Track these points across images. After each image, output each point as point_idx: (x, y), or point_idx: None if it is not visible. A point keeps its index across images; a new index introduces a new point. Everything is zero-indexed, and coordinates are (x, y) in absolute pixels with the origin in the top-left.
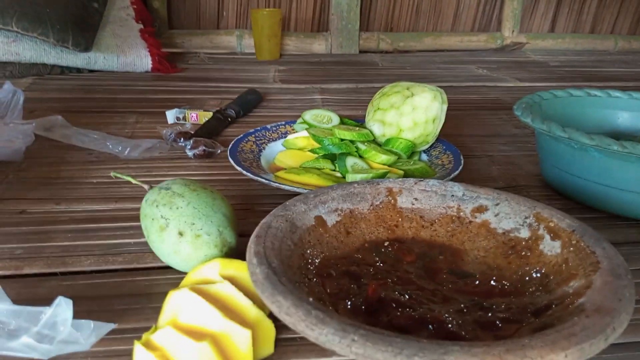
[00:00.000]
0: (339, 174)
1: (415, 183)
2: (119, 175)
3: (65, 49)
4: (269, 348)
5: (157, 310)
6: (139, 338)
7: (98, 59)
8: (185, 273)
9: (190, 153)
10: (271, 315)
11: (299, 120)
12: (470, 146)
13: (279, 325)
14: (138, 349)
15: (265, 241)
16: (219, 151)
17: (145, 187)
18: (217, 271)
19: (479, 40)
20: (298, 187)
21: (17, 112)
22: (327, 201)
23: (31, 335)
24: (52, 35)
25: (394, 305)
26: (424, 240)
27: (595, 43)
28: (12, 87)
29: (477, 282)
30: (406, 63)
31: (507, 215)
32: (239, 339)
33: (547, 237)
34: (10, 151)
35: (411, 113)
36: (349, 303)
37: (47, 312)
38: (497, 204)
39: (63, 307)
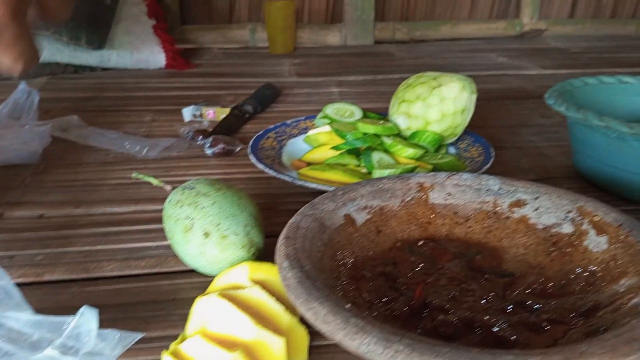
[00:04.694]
0: (364, 170)
1: (448, 177)
2: (140, 176)
3: (78, 47)
4: (302, 356)
5: (183, 317)
6: (166, 347)
7: (111, 57)
8: (211, 277)
9: (209, 152)
10: (303, 320)
11: (320, 114)
12: (498, 137)
13: (313, 331)
14: (166, 359)
15: (296, 242)
16: (239, 149)
17: (167, 187)
18: (246, 275)
19: (497, 28)
20: (323, 185)
21: (33, 113)
22: (356, 198)
23: (55, 347)
24: (65, 33)
25: (438, 308)
26: (459, 239)
27: (617, 28)
28: (27, 87)
29: (518, 281)
30: (423, 53)
31: (547, 210)
32: (272, 347)
33: (592, 232)
34: (27, 154)
35: (439, 104)
36: (388, 307)
37: (70, 323)
38: (536, 198)
39: (87, 317)
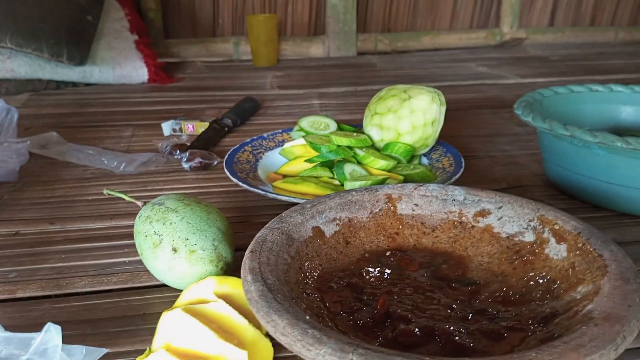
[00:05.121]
0: (337, 182)
1: (415, 188)
2: (111, 192)
3: (60, 64)
4: None
5: (152, 331)
6: None
7: (93, 72)
8: (181, 291)
9: (186, 166)
10: (269, 333)
11: (296, 127)
12: (472, 147)
13: (277, 343)
14: None
15: (261, 256)
16: (216, 162)
17: (139, 203)
18: (211, 289)
19: (477, 37)
20: (295, 197)
21: (12, 131)
22: (325, 211)
23: None
24: (46, 50)
25: (400, 317)
26: (426, 248)
27: (596, 35)
28: (6, 105)
29: (482, 290)
30: (405, 63)
31: (510, 219)
32: None
33: (553, 240)
34: (4, 172)
35: (409, 116)
36: (351, 318)
37: (37, 339)
38: (499, 207)
39: (52, 334)
